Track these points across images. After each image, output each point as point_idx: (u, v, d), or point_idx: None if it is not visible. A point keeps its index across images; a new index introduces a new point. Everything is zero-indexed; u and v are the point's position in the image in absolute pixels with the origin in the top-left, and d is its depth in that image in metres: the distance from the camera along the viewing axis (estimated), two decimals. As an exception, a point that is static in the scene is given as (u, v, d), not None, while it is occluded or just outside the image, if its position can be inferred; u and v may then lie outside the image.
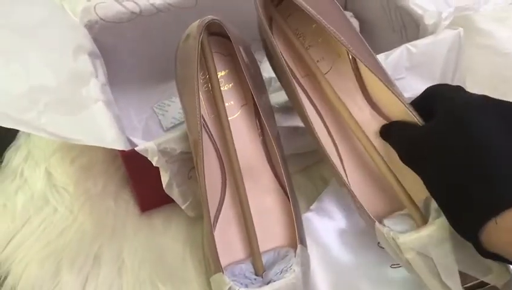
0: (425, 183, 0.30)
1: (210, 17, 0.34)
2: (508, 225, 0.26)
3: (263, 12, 0.37)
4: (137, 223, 0.44)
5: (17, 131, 0.51)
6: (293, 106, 0.39)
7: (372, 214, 0.35)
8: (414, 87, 0.41)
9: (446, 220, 0.30)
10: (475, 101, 0.30)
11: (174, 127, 0.51)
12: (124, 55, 0.49)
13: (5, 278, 0.42)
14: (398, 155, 0.33)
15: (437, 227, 0.31)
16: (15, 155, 0.49)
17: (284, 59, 0.36)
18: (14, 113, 0.32)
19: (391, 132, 0.36)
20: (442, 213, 0.31)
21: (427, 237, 0.31)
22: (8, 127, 0.32)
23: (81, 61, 0.41)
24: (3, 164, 0.49)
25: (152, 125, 0.51)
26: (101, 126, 0.37)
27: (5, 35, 0.36)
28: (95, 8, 0.46)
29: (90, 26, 0.46)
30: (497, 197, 0.26)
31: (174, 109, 0.52)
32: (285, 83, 0.38)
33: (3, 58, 0.35)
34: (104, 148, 0.48)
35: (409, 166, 0.32)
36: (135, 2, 0.47)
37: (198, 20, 0.35)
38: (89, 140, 0.35)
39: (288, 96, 0.39)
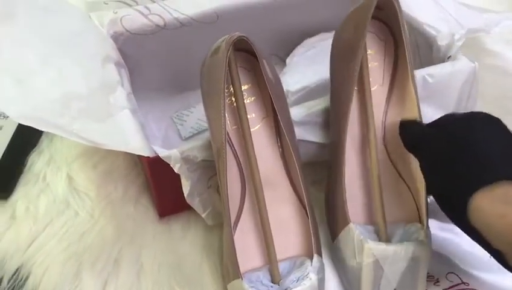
0: (422, 167, 0.35)
1: (237, 33, 0.36)
2: (497, 196, 0.29)
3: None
4: (156, 228, 0.45)
5: (40, 136, 0.53)
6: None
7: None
8: (428, 116, 0.43)
9: (410, 247, 0.36)
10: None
11: (192, 136, 0.52)
12: (146, 66, 0.51)
13: (26, 279, 0.43)
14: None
15: (401, 249, 0.37)
16: (38, 159, 0.50)
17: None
18: (49, 117, 0.34)
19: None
20: (405, 240, 0.37)
21: (391, 252, 0.36)
22: (44, 130, 0.33)
23: (108, 71, 0.43)
24: (26, 167, 0.50)
25: (171, 134, 0.52)
26: (128, 133, 0.39)
27: (41, 44, 0.38)
28: (121, 20, 0.48)
29: (116, 37, 0.48)
30: (489, 168, 0.31)
31: (192, 119, 0.53)
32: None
33: (40, 66, 0.36)
34: (124, 155, 0.50)
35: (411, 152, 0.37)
36: (160, 16, 0.49)
37: (226, 36, 0.36)
38: (117, 146, 0.37)
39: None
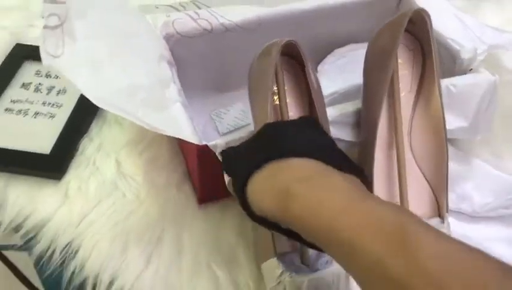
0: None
1: (286, 38, 0.41)
2: (264, 176, 0.33)
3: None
4: (196, 212, 0.50)
5: (89, 125, 0.57)
6: None
7: None
8: (449, 122, 0.47)
9: None
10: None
11: (229, 132, 0.57)
12: (191, 66, 0.56)
13: (77, 252, 0.48)
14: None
15: None
16: (89, 146, 0.55)
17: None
18: (119, 103, 0.38)
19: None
20: None
21: None
22: (113, 112, 0.38)
23: (162, 68, 0.47)
24: (78, 152, 0.55)
25: (209, 130, 0.57)
26: (181, 123, 0.43)
27: (108, 39, 0.43)
28: (173, 23, 0.53)
29: (167, 38, 0.52)
30: (259, 153, 0.34)
31: (229, 116, 0.58)
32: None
33: (109, 60, 0.41)
34: (167, 145, 0.55)
35: None
36: (208, 21, 0.53)
37: (276, 40, 0.41)
38: (174, 133, 0.41)
39: None
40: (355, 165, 0.36)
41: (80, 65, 0.38)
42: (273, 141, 0.35)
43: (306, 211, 0.30)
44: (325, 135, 0.39)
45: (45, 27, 0.36)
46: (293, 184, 0.31)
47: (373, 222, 0.28)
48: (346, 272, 0.30)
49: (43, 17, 0.37)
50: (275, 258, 0.41)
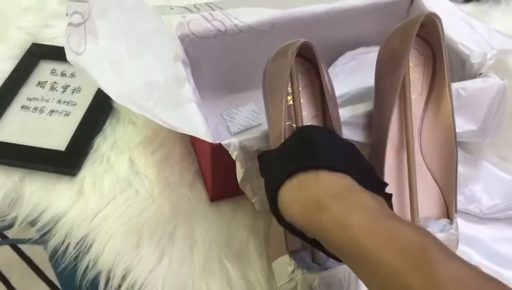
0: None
1: (302, 40, 0.42)
2: (294, 186, 0.34)
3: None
4: (208, 209, 0.51)
5: (103, 123, 0.58)
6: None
7: None
8: (459, 125, 0.48)
9: (440, 238, 0.36)
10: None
11: (240, 132, 0.58)
12: (204, 66, 0.57)
13: (91, 246, 0.49)
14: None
15: None
16: (103, 144, 0.56)
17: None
18: (138, 100, 0.39)
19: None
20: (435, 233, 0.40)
21: None
22: (133, 110, 0.39)
23: (178, 67, 0.48)
24: (92, 150, 0.56)
25: (221, 129, 0.58)
26: (195, 122, 0.44)
27: (127, 39, 0.44)
28: (188, 23, 0.54)
29: (182, 39, 0.53)
30: (291, 163, 0.36)
31: (240, 117, 0.59)
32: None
33: (128, 58, 0.42)
34: (179, 144, 0.56)
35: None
36: (221, 22, 0.54)
37: (292, 41, 0.42)
38: (189, 131, 0.42)
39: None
40: (379, 179, 0.38)
41: (101, 63, 0.39)
42: (304, 150, 0.37)
43: (334, 224, 0.32)
44: (351, 145, 0.40)
45: (69, 24, 0.38)
46: (323, 198, 0.33)
47: (396, 240, 0.30)
48: (365, 285, 0.31)
49: (67, 15, 0.38)
50: (287, 256, 0.42)
